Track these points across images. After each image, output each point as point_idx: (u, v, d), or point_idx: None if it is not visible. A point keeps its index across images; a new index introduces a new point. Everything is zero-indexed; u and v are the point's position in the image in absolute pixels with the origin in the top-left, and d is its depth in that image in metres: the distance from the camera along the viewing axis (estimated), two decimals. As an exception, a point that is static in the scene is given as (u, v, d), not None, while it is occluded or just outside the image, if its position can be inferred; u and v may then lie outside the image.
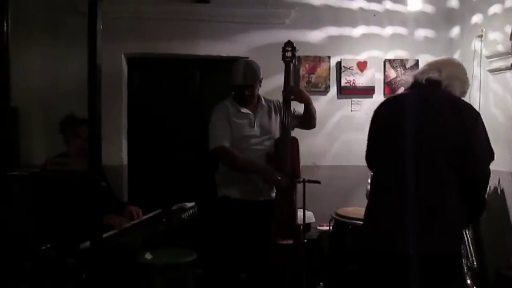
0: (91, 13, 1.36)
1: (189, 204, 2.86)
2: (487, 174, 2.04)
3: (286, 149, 2.76)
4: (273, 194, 2.85)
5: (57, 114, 2.92)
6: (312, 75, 4.05)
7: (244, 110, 2.91)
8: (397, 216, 1.95)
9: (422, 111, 2.01)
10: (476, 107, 3.73)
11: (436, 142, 1.96)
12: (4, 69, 1.52)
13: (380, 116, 2.18)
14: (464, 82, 2.14)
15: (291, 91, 2.88)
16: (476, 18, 3.83)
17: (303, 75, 4.02)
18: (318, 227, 3.73)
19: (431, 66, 2.15)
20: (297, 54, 3.01)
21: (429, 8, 4.19)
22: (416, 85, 2.13)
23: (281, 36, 3.85)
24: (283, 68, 2.93)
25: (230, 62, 3.91)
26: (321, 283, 2.25)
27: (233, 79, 2.88)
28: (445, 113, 1.97)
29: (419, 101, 2.05)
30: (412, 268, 1.91)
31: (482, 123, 2.01)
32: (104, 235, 2.14)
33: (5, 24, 1.52)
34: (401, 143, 1.99)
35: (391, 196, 2.01)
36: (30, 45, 3.66)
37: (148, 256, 2.76)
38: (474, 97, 3.77)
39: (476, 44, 3.75)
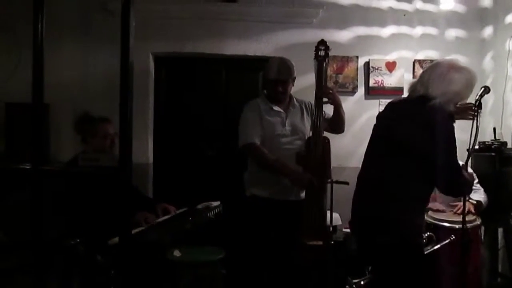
0: (124, 13, 1.36)
1: (215, 203, 2.84)
2: (451, 184, 2.10)
3: (318, 148, 2.72)
4: (303, 194, 2.81)
5: (86, 111, 2.94)
6: (339, 75, 4.00)
7: (276, 108, 2.89)
8: (358, 204, 2.27)
9: (400, 121, 2.17)
10: (509, 109, 3.64)
11: (398, 151, 2.11)
12: (38, 67, 1.53)
13: (377, 118, 2.41)
14: (458, 94, 2.11)
15: (325, 90, 2.84)
16: (511, 18, 3.72)
17: (331, 75, 3.97)
18: (344, 229, 3.66)
19: (422, 81, 2.14)
20: (325, 54, 2.97)
21: (460, 8, 4.09)
22: (408, 98, 2.25)
23: (309, 35, 3.85)
24: (312, 68, 2.90)
25: (256, 62, 3.95)
26: (349, 278, 2.22)
27: (267, 74, 2.89)
28: (414, 128, 2.09)
29: (402, 114, 2.20)
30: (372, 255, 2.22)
31: (450, 144, 2.05)
32: (133, 232, 2.16)
33: (39, 24, 1.53)
34: (376, 146, 2.28)
35: (358, 187, 2.31)
36: (60, 43, 3.72)
37: (176, 253, 2.75)
38: (507, 99, 3.66)
39: (510, 44, 3.65)
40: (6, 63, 3.49)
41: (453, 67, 2.13)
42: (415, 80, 2.31)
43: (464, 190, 2.25)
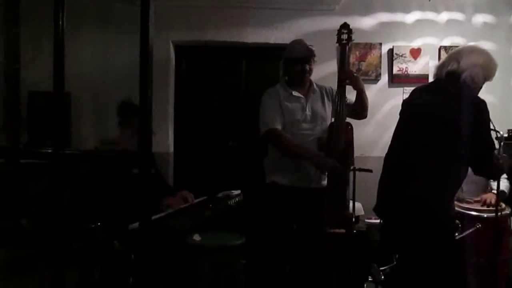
0: (143, 0, 1.34)
1: (235, 192, 2.83)
2: (484, 162, 2.10)
3: (340, 134, 2.66)
4: (324, 182, 2.75)
5: (107, 100, 2.95)
6: (362, 62, 3.92)
7: (296, 94, 2.84)
8: (388, 188, 2.23)
9: (432, 101, 2.17)
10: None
11: (437, 130, 2.09)
12: (59, 56, 1.53)
13: (403, 104, 2.40)
14: (486, 68, 2.18)
15: (347, 74, 2.77)
16: (542, 1, 3.58)
17: (353, 63, 3.90)
18: (366, 220, 3.60)
19: (451, 57, 2.22)
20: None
21: (489, -8, 3.96)
22: (436, 79, 2.26)
23: (331, 22, 3.78)
24: (334, 56, 2.85)
25: (277, 50, 3.88)
26: (375, 265, 2.17)
27: (289, 54, 2.85)
28: (451, 105, 2.08)
29: (434, 92, 2.22)
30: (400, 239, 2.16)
31: (484, 118, 2.07)
32: (153, 217, 2.15)
33: (60, 12, 1.53)
34: (407, 128, 2.24)
35: (387, 172, 2.28)
36: (82, 32, 3.74)
37: (196, 237, 2.73)
38: (537, 86, 3.53)
39: (541, 29, 3.51)
40: (29, 52, 3.53)
41: (477, 47, 2.27)
42: (439, 63, 2.32)
43: (496, 171, 2.18)
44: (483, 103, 2.07)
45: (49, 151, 1.55)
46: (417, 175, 2.09)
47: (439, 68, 2.24)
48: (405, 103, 2.38)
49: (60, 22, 1.53)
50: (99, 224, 2.10)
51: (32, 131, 3.61)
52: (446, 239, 2.08)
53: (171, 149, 4.04)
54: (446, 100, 2.12)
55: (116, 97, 2.92)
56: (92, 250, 2.25)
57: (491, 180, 3.11)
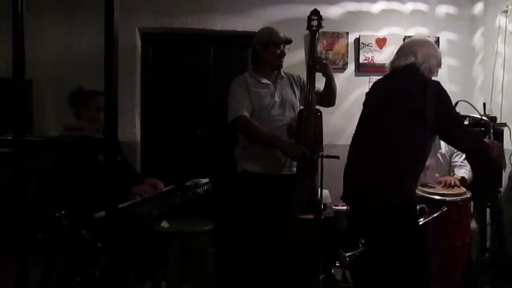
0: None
1: (203, 180, 2.82)
2: (463, 139, 2.24)
3: (309, 121, 2.68)
4: (295, 168, 2.78)
5: (70, 87, 2.87)
6: (329, 51, 3.95)
7: (264, 81, 2.85)
8: (352, 173, 2.31)
9: (394, 89, 2.26)
10: (499, 85, 3.63)
11: (398, 115, 2.16)
12: (18, 42, 1.47)
13: (367, 95, 2.48)
14: (437, 58, 2.33)
15: (317, 61, 2.79)
16: (501, -6, 3.69)
17: (321, 52, 3.92)
18: (334, 207, 3.66)
19: (406, 51, 2.31)
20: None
21: (451, -16, 4.06)
22: (394, 70, 2.34)
23: (298, 11, 3.80)
24: (302, 44, 2.86)
25: (245, 38, 3.87)
26: (341, 251, 2.21)
27: (270, 38, 2.84)
28: (411, 90, 2.17)
29: (394, 81, 2.31)
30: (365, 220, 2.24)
31: (446, 98, 2.19)
32: (120, 205, 2.12)
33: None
34: (372, 116, 2.32)
35: (351, 159, 2.36)
36: (43, 17, 3.61)
37: (164, 224, 2.71)
38: (497, 75, 3.65)
39: (501, 20, 3.62)
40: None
41: (425, 39, 2.48)
42: (393, 57, 2.40)
43: (474, 145, 2.30)
44: (440, 84, 2.19)
45: (10, 138, 1.50)
46: (378, 159, 2.16)
47: (397, 62, 2.33)
48: (368, 94, 2.46)
49: (19, 6, 1.47)
50: (63, 212, 2.05)
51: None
52: (407, 220, 2.14)
53: (138, 138, 3.97)
54: (406, 87, 2.20)
55: (82, 84, 2.85)
56: (57, 239, 2.19)
57: (455, 168, 3.21)
